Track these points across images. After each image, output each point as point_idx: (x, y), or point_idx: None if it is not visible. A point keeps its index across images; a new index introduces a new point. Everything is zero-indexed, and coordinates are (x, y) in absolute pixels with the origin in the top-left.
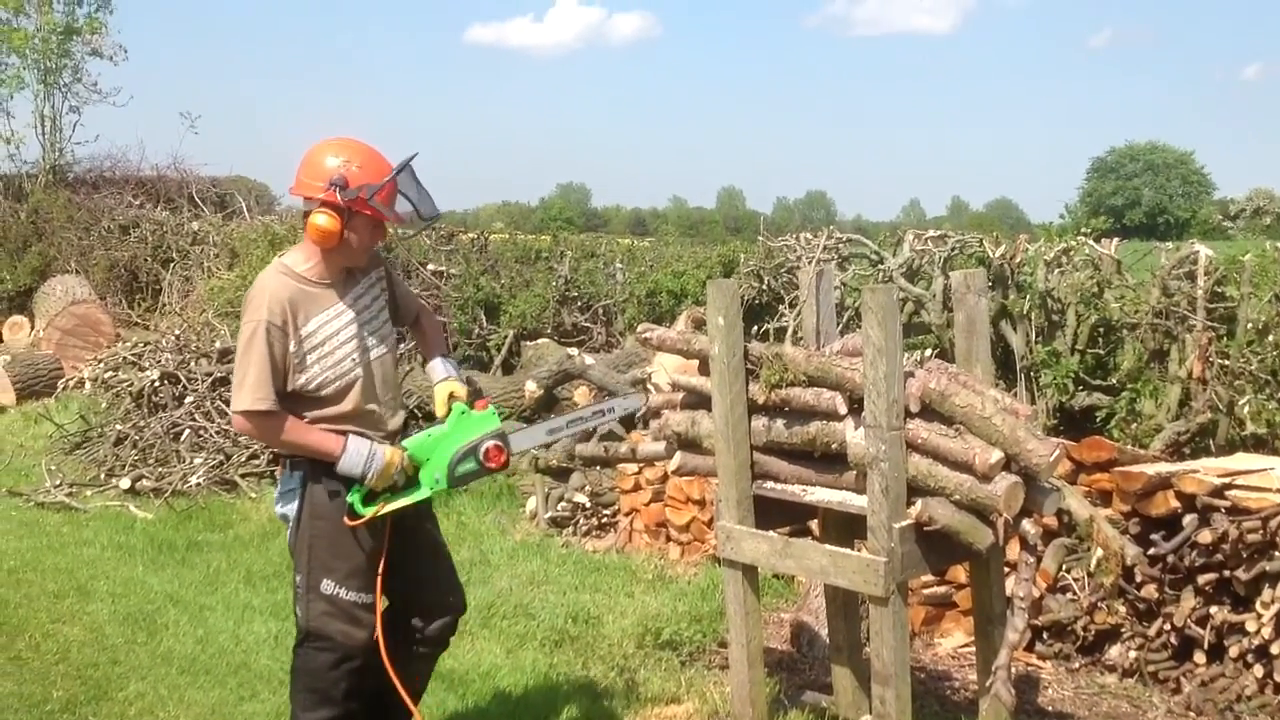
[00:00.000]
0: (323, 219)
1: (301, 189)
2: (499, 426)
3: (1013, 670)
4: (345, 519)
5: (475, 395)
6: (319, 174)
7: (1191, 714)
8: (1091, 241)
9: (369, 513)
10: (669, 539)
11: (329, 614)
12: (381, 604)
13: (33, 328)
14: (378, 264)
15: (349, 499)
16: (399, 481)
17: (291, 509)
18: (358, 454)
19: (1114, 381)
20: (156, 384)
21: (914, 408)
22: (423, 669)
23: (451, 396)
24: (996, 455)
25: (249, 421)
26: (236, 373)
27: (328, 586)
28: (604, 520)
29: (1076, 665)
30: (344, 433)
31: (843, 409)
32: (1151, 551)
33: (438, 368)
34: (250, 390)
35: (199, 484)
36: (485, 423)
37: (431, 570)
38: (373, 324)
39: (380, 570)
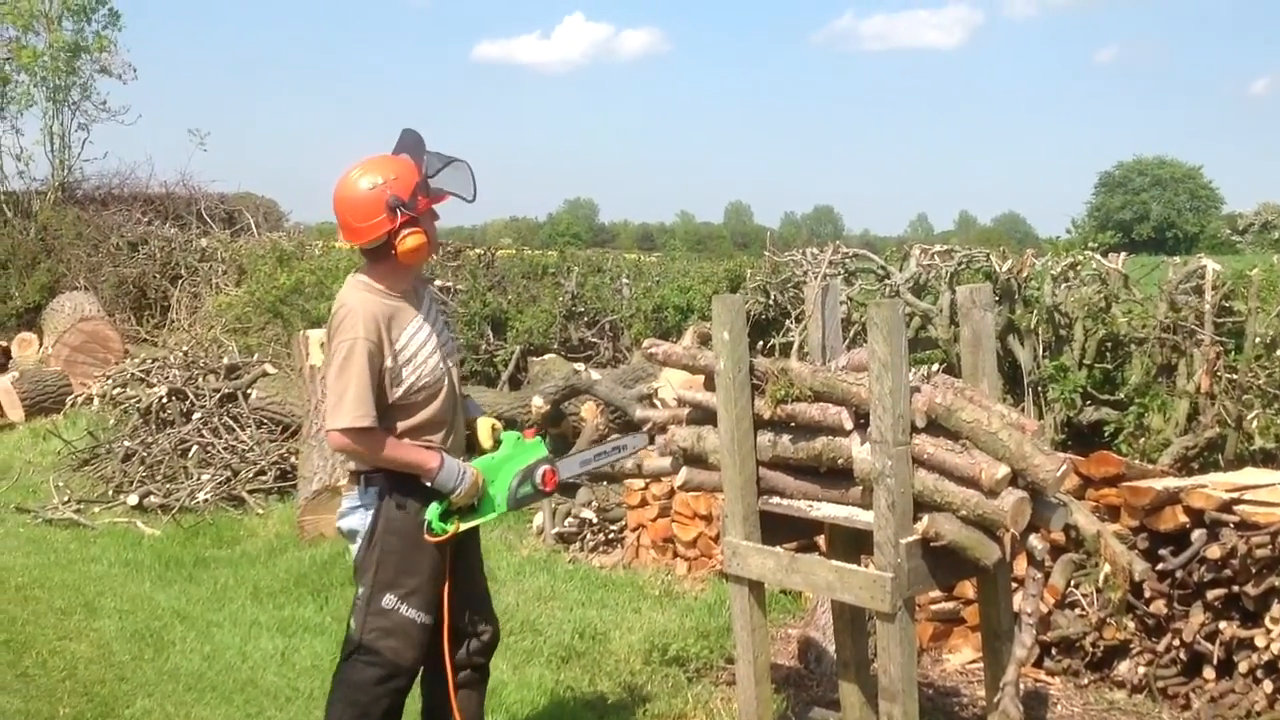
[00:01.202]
0: (412, 239)
1: (365, 233)
2: (548, 453)
3: (1021, 686)
4: (426, 535)
5: (519, 428)
6: (371, 209)
7: None
8: (1099, 256)
9: (448, 530)
10: (676, 554)
11: (384, 630)
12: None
13: (41, 344)
14: (427, 283)
15: (428, 516)
16: (477, 501)
17: (360, 523)
18: (452, 470)
19: (1122, 396)
20: (164, 400)
21: (920, 423)
22: (466, 704)
23: (494, 429)
24: (1003, 470)
25: (349, 439)
26: (333, 391)
27: (389, 601)
28: (611, 536)
29: (1085, 681)
30: (433, 447)
31: (849, 424)
32: (1160, 567)
33: (470, 406)
34: (351, 407)
35: (206, 500)
36: (536, 449)
37: (472, 595)
38: (443, 335)
39: (446, 597)
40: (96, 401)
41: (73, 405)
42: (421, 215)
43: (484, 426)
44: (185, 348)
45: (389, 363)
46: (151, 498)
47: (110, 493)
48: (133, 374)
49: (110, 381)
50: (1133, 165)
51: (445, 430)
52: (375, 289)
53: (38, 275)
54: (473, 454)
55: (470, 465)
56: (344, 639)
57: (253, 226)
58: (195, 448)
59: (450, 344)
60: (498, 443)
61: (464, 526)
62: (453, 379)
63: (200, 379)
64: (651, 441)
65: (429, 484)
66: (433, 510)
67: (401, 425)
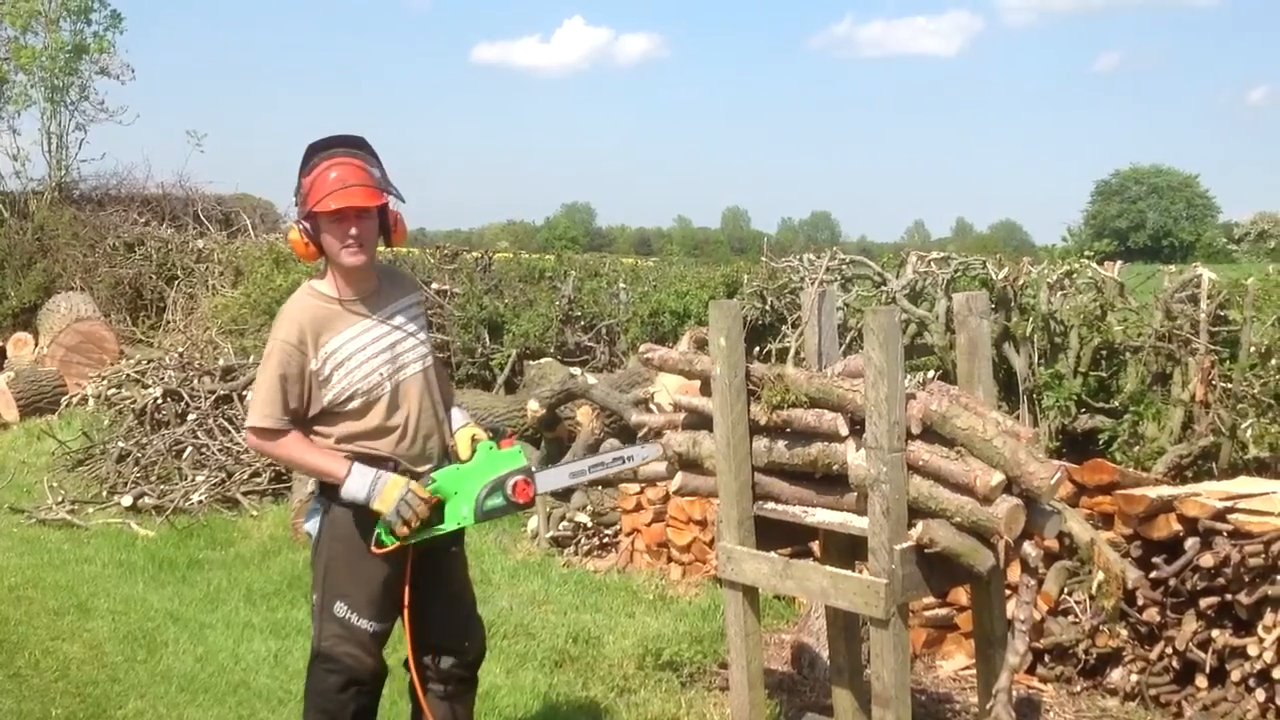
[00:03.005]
0: (291, 234)
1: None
2: (525, 463)
3: (1014, 693)
4: (372, 547)
5: (499, 436)
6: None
7: None
8: (1094, 264)
9: (393, 543)
10: (670, 559)
11: (340, 637)
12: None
13: (37, 344)
14: (416, 288)
15: (377, 528)
16: (413, 513)
17: (315, 527)
18: (362, 478)
19: (1117, 404)
20: (159, 401)
21: (915, 429)
22: (454, 713)
23: (474, 439)
24: (998, 478)
25: (255, 437)
26: (253, 391)
27: (340, 610)
28: (605, 540)
29: (1078, 688)
30: (364, 455)
31: (844, 430)
32: (1153, 575)
33: (456, 416)
34: (258, 407)
35: (201, 501)
36: (512, 459)
37: (447, 610)
38: (407, 342)
39: (404, 602)
40: (91, 402)
41: (67, 405)
42: (311, 219)
43: (464, 438)
44: (180, 349)
45: (313, 365)
46: (146, 499)
47: (104, 493)
48: (128, 375)
49: (105, 382)
50: (1129, 173)
51: (395, 437)
52: (317, 293)
53: (33, 275)
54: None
55: (392, 475)
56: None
57: (249, 228)
58: (190, 449)
59: (416, 351)
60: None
61: (417, 539)
62: (407, 387)
63: (195, 380)
64: (647, 439)
65: (341, 494)
66: (380, 523)
67: (338, 431)
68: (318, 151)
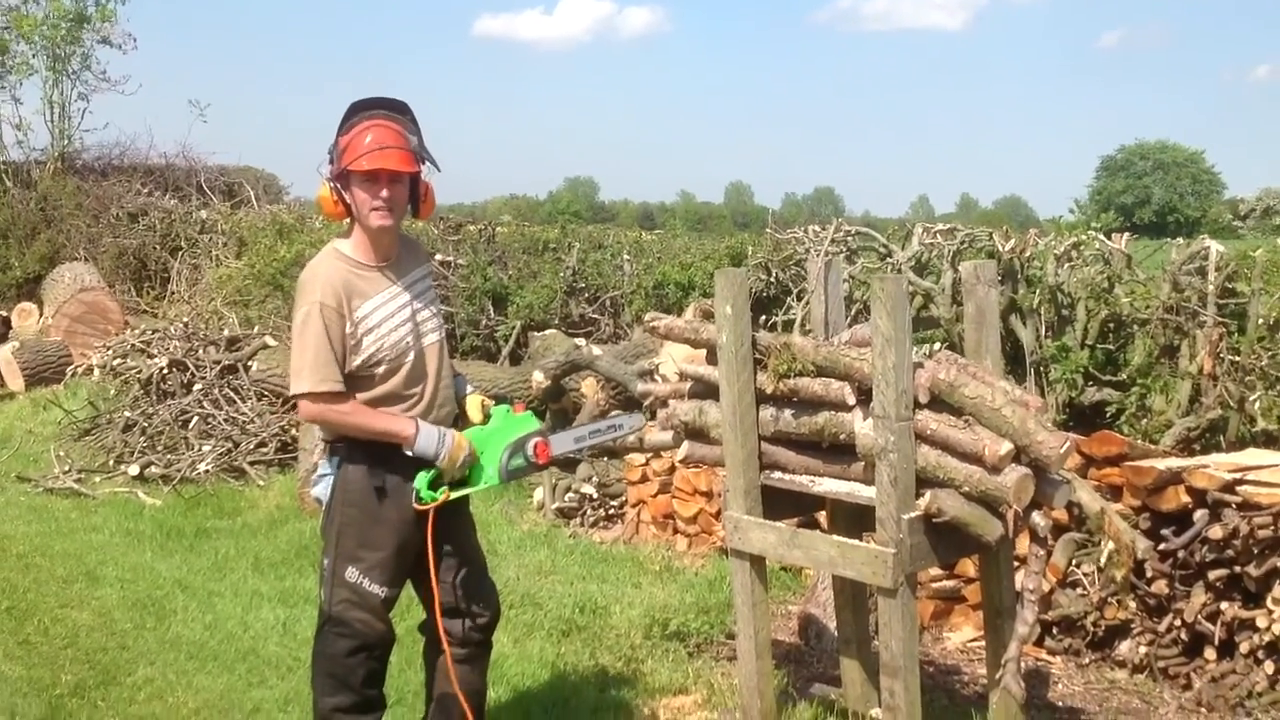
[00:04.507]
0: (321, 190)
1: (320, 203)
2: (541, 425)
3: (1022, 665)
4: (414, 504)
5: (509, 403)
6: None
7: (1202, 710)
8: (1102, 236)
9: (437, 499)
10: (676, 531)
11: (350, 602)
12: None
13: (41, 315)
14: (429, 259)
15: (416, 484)
16: (465, 469)
17: (326, 492)
18: (430, 435)
19: (1124, 377)
20: (165, 371)
21: (923, 398)
22: (467, 677)
23: (483, 405)
24: (1006, 447)
25: (315, 404)
26: (294, 358)
27: (352, 575)
28: (611, 511)
29: (1086, 660)
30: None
31: (851, 399)
32: (1162, 547)
33: (463, 384)
34: (310, 371)
35: (207, 471)
36: (528, 422)
37: (460, 573)
38: (425, 311)
39: (432, 567)
40: (97, 372)
41: (73, 376)
42: (343, 177)
43: (473, 403)
44: (185, 319)
45: (348, 329)
46: (152, 468)
47: (111, 463)
48: (133, 345)
49: (110, 352)
50: (1135, 149)
51: (411, 403)
52: (344, 257)
53: (37, 246)
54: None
55: (453, 430)
56: (318, 609)
57: (253, 199)
58: (196, 419)
59: (432, 321)
60: (487, 418)
61: (454, 496)
62: (427, 355)
63: (200, 350)
64: (652, 417)
65: (409, 452)
66: (421, 478)
67: (361, 397)
68: (359, 111)
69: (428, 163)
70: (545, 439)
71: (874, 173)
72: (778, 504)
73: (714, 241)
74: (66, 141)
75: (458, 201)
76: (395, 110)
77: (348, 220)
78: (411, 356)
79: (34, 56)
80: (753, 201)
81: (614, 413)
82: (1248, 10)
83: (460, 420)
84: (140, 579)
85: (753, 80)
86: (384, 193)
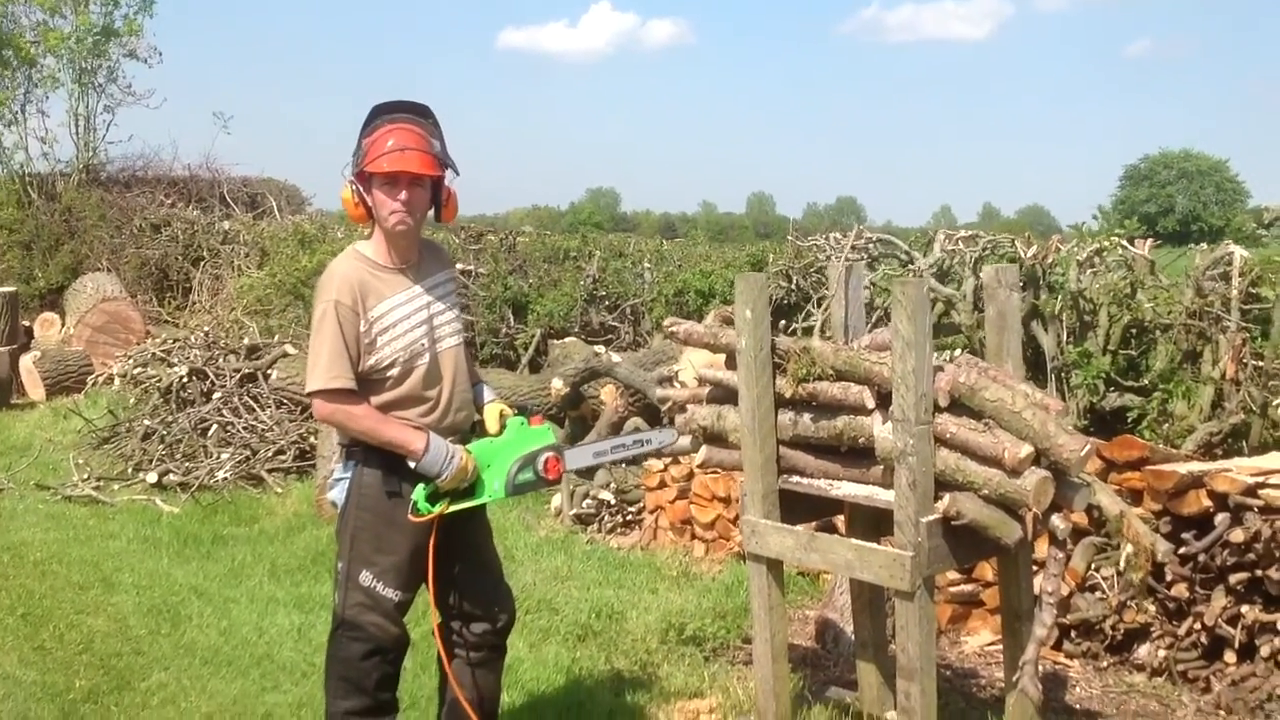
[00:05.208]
0: (344, 192)
1: (345, 205)
2: (555, 440)
3: (1040, 668)
4: (409, 516)
5: (527, 414)
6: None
7: (1221, 713)
8: (1125, 242)
9: (434, 511)
10: (694, 536)
11: (364, 605)
12: (431, 607)
13: (64, 324)
14: (453, 264)
15: (414, 496)
16: (465, 486)
17: (342, 496)
18: (439, 452)
19: (1146, 383)
20: (185, 380)
21: (943, 402)
22: (482, 681)
23: (502, 414)
24: (1026, 450)
25: (327, 403)
26: (310, 356)
27: (366, 579)
28: (629, 517)
29: (1105, 664)
30: (419, 427)
31: (870, 403)
32: (1182, 550)
33: (483, 391)
34: (325, 369)
35: (225, 479)
36: (542, 436)
37: (475, 577)
38: (444, 315)
39: (430, 573)
40: (117, 381)
41: (94, 385)
42: (367, 180)
43: (492, 413)
44: (206, 328)
45: (363, 327)
46: (170, 476)
47: (129, 470)
48: (154, 354)
49: (131, 361)
50: (1158, 158)
51: (427, 408)
52: (363, 258)
53: (61, 256)
54: (476, 438)
55: (462, 449)
56: (331, 613)
57: (275, 210)
58: (215, 427)
59: (451, 325)
60: (504, 428)
61: (453, 509)
62: (443, 359)
63: (221, 359)
64: (671, 422)
65: (413, 465)
66: (419, 491)
67: (375, 400)
68: (382, 114)
69: (450, 168)
70: (558, 454)
71: (896, 183)
72: (795, 508)
73: (735, 250)
74: (91, 154)
75: (479, 212)
76: (418, 114)
77: (370, 223)
78: (426, 359)
79: (60, 70)
80: (774, 211)
81: (633, 420)
82: (1272, 19)
83: (477, 428)
84: (156, 585)
85: (775, 91)
86: (403, 195)
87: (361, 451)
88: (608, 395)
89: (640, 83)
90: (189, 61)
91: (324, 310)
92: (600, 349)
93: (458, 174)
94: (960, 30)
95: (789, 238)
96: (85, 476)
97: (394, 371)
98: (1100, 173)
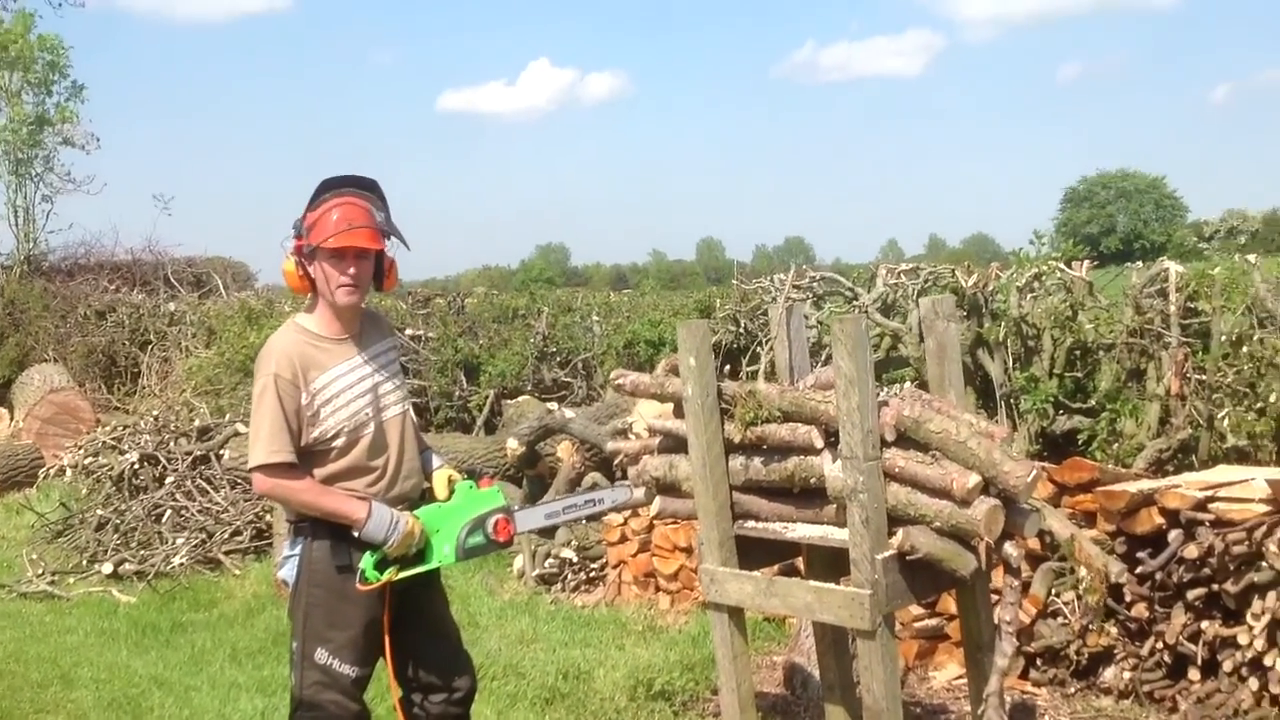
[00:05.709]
0: (286, 264)
1: (284, 277)
2: (505, 502)
3: (1008, 699)
4: (357, 584)
5: (476, 477)
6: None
7: None
8: (1063, 265)
9: (381, 579)
10: (658, 589)
11: (322, 684)
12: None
13: (12, 419)
14: (393, 333)
15: (362, 565)
16: (413, 551)
17: (292, 574)
18: (382, 519)
19: (1093, 403)
20: (136, 466)
21: (889, 436)
22: None
23: (450, 479)
24: (974, 479)
25: (268, 477)
26: (251, 431)
27: (321, 656)
28: (592, 574)
29: (1072, 690)
30: (362, 497)
31: (819, 443)
32: (1139, 570)
33: (431, 458)
34: (265, 444)
35: (182, 564)
36: (491, 499)
37: (433, 646)
38: (388, 384)
39: (387, 646)
40: (69, 472)
41: (45, 478)
42: (309, 251)
43: (440, 479)
44: (156, 412)
45: (304, 400)
46: (126, 565)
47: (84, 562)
48: (104, 442)
49: (82, 451)
50: (1096, 179)
51: (374, 477)
52: (303, 330)
53: (6, 350)
54: (424, 504)
55: (407, 515)
56: (289, 695)
57: (220, 288)
58: (169, 512)
59: (396, 394)
60: (454, 493)
61: (401, 576)
62: (389, 428)
63: (172, 442)
64: (623, 476)
65: (356, 535)
66: (367, 559)
67: (321, 472)
68: (329, 189)
69: (392, 237)
70: (508, 516)
71: (843, 220)
72: (753, 553)
73: (683, 297)
74: (32, 244)
75: (430, 276)
76: (363, 188)
77: (310, 295)
78: (371, 429)
79: None
80: (724, 256)
81: (590, 476)
82: (1202, 34)
83: (427, 495)
84: (115, 678)
85: (718, 136)
86: (351, 269)
87: (309, 526)
88: (564, 451)
89: (583, 137)
90: (127, 144)
91: (264, 385)
92: (554, 406)
93: (407, 246)
94: (895, 65)
95: (734, 281)
96: (40, 572)
97: (339, 442)
98: (1042, 197)
